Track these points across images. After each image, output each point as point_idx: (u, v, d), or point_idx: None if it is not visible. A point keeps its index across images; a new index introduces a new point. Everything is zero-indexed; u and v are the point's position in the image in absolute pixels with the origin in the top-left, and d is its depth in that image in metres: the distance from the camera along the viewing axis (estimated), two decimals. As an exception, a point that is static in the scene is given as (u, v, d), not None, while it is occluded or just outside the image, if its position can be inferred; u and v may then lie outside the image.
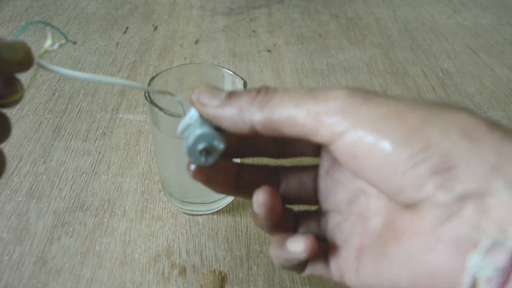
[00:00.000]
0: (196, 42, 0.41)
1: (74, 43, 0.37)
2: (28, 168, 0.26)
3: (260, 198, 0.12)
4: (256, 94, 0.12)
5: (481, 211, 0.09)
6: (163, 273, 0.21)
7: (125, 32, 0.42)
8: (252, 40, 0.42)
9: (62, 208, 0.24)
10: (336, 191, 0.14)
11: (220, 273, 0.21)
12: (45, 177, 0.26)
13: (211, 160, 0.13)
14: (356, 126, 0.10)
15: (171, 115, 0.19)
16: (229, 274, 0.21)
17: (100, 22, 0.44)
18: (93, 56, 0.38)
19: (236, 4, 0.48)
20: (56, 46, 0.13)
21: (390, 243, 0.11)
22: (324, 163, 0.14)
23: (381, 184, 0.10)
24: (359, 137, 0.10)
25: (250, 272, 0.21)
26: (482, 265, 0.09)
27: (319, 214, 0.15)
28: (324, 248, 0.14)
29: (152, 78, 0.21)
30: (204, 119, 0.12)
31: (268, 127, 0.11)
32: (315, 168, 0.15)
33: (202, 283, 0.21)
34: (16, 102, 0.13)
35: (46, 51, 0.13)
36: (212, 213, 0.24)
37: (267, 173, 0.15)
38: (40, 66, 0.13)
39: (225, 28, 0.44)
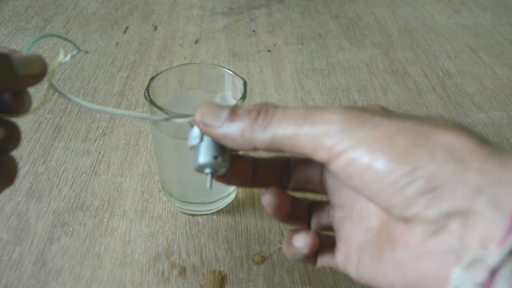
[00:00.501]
0: (196, 42, 0.41)
1: (86, 52, 0.37)
2: (27, 168, 0.26)
3: (266, 199, 0.14)
4: (256, 116, 0.12)
5: (465, 227, 0.09)
6: (163, 273, 0.21)
7: (125, 32, 0.42)
8: (252, 40, 0.42)
9: (61, 208, 0.24)
10: (339, 187, 0.14)
11: (220, 273, 0.21)
12: (44, 177, 0.26)
13: (219, 173, 0.14)
14: (350, 148, 0.11)
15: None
16: (229, 274, 0.21)
17: (100, 22, 0.44)
18: (93, 56, 0.38)
19: (236, 4, 0.48)
20: (68, 57, 0.13)
21: (386, 248, 0.12)
22: None
23: (374, 200, 0.11)
24: (353, 159, 0.11)
25: (250, 272, 0.21)
26: (464, 279, 0.09)
27: (330, 206, 0.15)
28: (332, 241, 0.14)
29: (152, 78, 0.21)
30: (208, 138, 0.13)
31: (269, 147, 0.12)
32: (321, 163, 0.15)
33: (202, 283, 0.21)
34: (24, 114, 0.13)
35: (59, 64, 0.13)
36: (212, 213, 0.24)
37: (280, 166, 0.16)
38: (53, 87, 0.13)
39: (225, 28, 0.44)
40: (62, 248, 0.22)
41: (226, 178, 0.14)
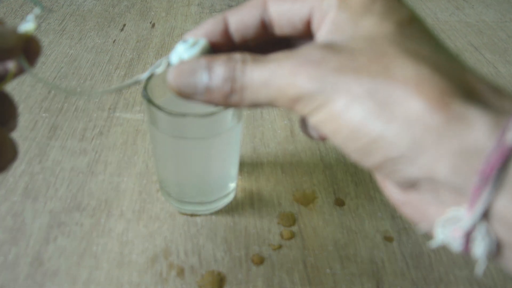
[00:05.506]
0: (195, 39, 0.40)
1: (50, 10, 0.35)
2: (23, 167, 0.26)
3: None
4: (231, 88, 0.12)
5: (435, 189, 0.10)
6: (161, 274, 0.21)
7: (122, 29, 0.42)
8: (251, 37, 0.41)
9: (58, 208, 0.24)
10: None
11: (219, 274, 0.21)
12: (41, 176, 0.26)
13: None
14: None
15: (169, 114, 0.18)
16: (227, 275, 0.21)
17: (97, 19, 0.43)
18: (90, 53, 0.38)
19: (234, 1, 0.48)
20: (31, 20, 0.12)
21: None
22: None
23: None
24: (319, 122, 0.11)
25: (249, 272, 0.21)
26: (445, 236, 0.10)
27: None
28: None
29: (150, 77, 0.20)
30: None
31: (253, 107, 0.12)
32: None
33: (201, 284, 0.20)
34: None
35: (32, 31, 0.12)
36: (211, 214, 0.24)
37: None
38: (19, 61, 0.12)
39: (224, 25, 0.43)
40: (58, 249, 0.22)
41: None
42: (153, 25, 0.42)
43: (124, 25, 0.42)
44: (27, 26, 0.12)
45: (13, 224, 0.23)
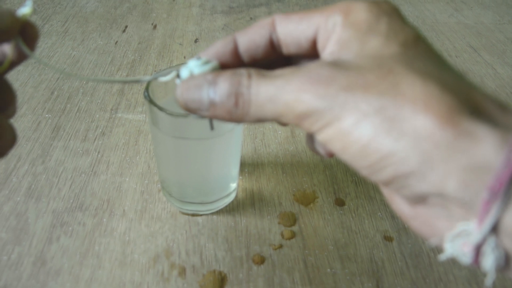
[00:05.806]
0: (196, 41, 0.41)
1: None
2: (26, 168, 0.26)
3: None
4: (235, 103, 0.12)
5: (445, 204, 0.10)
6: (162, 273, 0.21)
7: (124, 31, 0.42)
8: (252, 38, 0.41)
9: (61, 208, 0.24)
10: None
11: (220, 273, 0.21)
12: (44, 177, 0.26)
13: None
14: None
15: (170, 114, 0.19)
16: (228, 274, 0.21)
17: (99, 20, 0.43)
18: (92, 55, 0.38)
19: (235, 2, 0.48)
20: (28, 5, 0.12)
21: None
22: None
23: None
24: (329, 139, 0.11)
25: (250, 272, 0.21)
26: (454, 249, 0.10)
27: None
28: None
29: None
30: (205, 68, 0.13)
31: (259, 122, 0.12)
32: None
33: (202, 283, 0.21)
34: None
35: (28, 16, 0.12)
36: (212, 213, 0.24)
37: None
38: (16, 43, 0.12)
39: (224, 26, 0.43)
40: (61, 248, 0.22)
41: None
42: (155, 27, 0.43)
43: (126, 26, 0.43)
44: (24, 10, 0.12)
45: (17, 224, 0.23)
